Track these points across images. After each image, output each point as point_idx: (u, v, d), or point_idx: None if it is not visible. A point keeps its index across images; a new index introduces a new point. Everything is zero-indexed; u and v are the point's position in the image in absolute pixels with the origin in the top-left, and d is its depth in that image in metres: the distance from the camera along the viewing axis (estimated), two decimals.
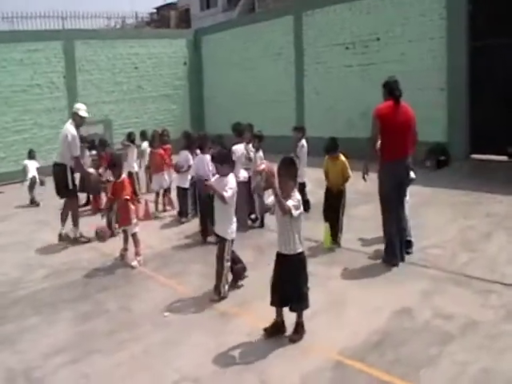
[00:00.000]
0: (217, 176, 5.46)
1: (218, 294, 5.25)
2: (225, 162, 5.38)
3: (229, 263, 5.27)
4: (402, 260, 5.97)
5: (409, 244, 6.24)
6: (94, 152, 9.77)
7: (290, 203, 4.16)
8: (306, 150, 8.28)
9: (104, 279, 6.27)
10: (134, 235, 6.66)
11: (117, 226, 7.58)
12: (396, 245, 5.94)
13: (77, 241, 7.78)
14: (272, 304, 4.40)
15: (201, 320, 4.89)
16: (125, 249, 6.87)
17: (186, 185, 8.54)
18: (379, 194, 6.05)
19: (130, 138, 10.62)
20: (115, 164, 6.74)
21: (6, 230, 9.14)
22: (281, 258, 4.38)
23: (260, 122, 9.17)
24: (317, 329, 4.48)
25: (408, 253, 6.15)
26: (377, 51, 13.03)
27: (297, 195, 4.30)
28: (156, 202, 9.36)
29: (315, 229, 6.89)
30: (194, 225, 8.08)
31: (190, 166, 8.45)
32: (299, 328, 4.38)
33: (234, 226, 5.31)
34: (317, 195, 7.88)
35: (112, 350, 4.44)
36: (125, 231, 6.79)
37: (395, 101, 5.97)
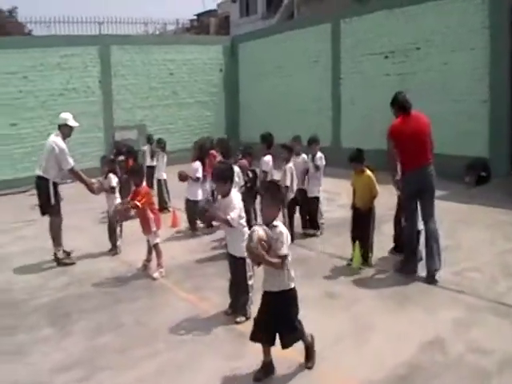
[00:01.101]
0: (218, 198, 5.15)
1: (244, 316, 4.97)
2: (226, 179, 4.99)
3: (252, 281, 4.98)
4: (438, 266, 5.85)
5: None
6: (122, 157, 9.67)
7: (284, 250, 3.79)
8: (324, 162, 7.91)
9: (123, 290, 6.10)
10: (155, 246, 6.48)
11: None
12: (414, 255, 6.01)
13: (60, 262, 7.22)
14: (255, 340, 3.97)
15: (217, 341, 4.65)
16: (148, 260, 6.72)
17: (195, 197, 8.30)
18: (402, 203, 6.22)
19: (160, 144, 10.49)
20: (134, 172, 6.58)
21: (31, 234, 9.13)
22: (269, 296, 3.95)
23: (295, 131, 8.86)
24: (338, 356, 4.19)
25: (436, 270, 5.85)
26: (417, 60, 12.60)
27: (280, 227, 3.90)
28: None
29: (345, 247, 6.60)
30: (220, 236, 7.83)
31: (198, 178, 8.26)
32: (309, 351, 4.06)
33: None
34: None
35: (124, 368, 4.25)
36: (148, 241, 6.62)
37: (405, 113, 6.00)
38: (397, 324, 4.75)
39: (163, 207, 10.05)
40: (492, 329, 4.58)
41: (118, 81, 16.34)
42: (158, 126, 16.88)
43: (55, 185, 7.21)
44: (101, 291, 6.12)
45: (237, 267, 5.00)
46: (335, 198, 9.75)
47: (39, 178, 7.20)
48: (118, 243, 7.65)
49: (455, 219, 8.28)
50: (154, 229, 6.44)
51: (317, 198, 7.87)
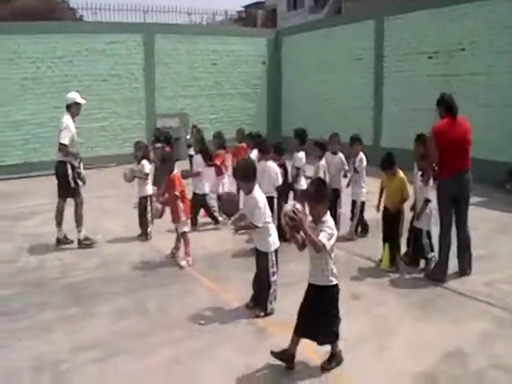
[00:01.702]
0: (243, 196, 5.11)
1: (263, 310, 4.97)
2: (249, 177, 4.95)
3: (275, 277, 4.97)
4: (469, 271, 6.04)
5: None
6: (159, 145, 9.75)
7: (322, 237, 3.80)
8: (365, 164, 7.63)
9: (149, 276, 6.21)
10: (183, 234, 6.54)
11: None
12: (447, 262, 5.95)
13: (60, 242, 7.44)
14: (295, 333, 4.01)
15: (236, 334, 4.67)
16: (176, 247, 6.79)
17: (202, 190, 8.28)
18: (438, 206, 6.05)
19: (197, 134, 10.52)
20: (164, 160, 6.64)
21: (71, 214, 9.35)
22: (311, 289, 4.02)
23: (336, 128, 8.73)
24: (355, 360, 4.12)
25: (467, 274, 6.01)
26: (462, 62, 12.23)
27: (329, 222, 3.93)
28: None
29: (375, 248, 6.51)
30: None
31: (198, 173, 8.21)
32: (332, 358, 4.04)
33: (274, 235, 5.00)
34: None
35: (141, 353, 4.32)
36: (176, 229, 6.69)
37: (452, 117, 5.95)
38: (420, 332, 4.65)
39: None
40: None
41: (161, 69, 16.51)
42: (199, 115, 16.96)
43: (73, 167, 7.29)
44: (128, 275, 6.25)
45: (260, 262, 4.99)
46: (370, 198, 9.58)
47: (57, 162, 7.33)
48: (149, 229, 7.77)
49: (492, 228, 8.05)
50: (183, 218, 6.50)
51: (354, 202, 7.68)
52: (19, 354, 4.37)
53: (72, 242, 7.46)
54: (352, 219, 7.65)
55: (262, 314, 4.93)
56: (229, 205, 5.37)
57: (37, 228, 8.48)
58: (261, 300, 4.99)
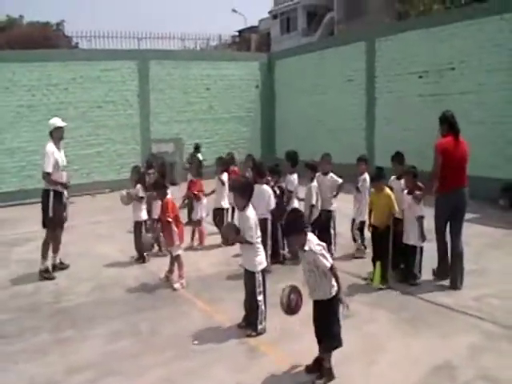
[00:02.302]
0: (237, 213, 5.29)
1: (254, 330, 5.04)
2: (245, 192, 5.10)
3: (261, 296, 5.04)
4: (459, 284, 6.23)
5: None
6: (152, 170, 9.88)
7: (326, 262, 4.03)
8: (369, 184, 7.59)
9: (144, 299, 6.27)
10: (176, 257, 6.62)
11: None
12: (447, 264, 6.37)
13: (40, 274, 7.23)
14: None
15: (228, 353, 4.72)
16: (170, 270, 6.85)
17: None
18: (435, 219, 6.39)
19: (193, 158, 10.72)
20: (156, 186, 6.75)
21: (66, 240, 9.40)
22: (314, 303, 4.25)
23: (330, 149, 8.86)
24: (345, 376, 4.18)
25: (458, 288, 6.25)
26: (452, 81, 12.46)
27: (312, 245, 4.09)
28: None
29: (366, 266, 6.58)
30: None
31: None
32: (325, 372, 4.12)
33: (262, 255, 5.09)
34: None
35: (133, 374, 4.38)
36: (170, 253, 6.77)
37: (455, 136, 6.29)
38: (409, 347, 4.71)
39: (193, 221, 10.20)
40: (505, 357, 4.48)
41: (155, 95, 16.75)
42: (194, 139, 17.01)
43: (57, 195, 7.21)
44: (122, 298, 6.32)
45: (248, 281, 5.09)
46: None
47: (42, 190, 7.30)
48: (145, 253, 7.84)
49: (485, 243, 8.14)
50: (177, 242, 6.59)
51: (354, 220, 7.79)
52: (16, 376, 4.45)
53: (53, 278, 7.22)
54: (354, 239, 7.76)
55: (254, 333, 5.00)
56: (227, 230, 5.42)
57: (31, 254, 8.50)
58: (252, 320, 5.05)
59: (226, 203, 8.88)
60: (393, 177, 6.95)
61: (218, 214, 8.88)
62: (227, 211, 9.01)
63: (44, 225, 7.32)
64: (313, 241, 4.13)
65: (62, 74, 15.18)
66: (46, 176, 7.11)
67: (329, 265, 4.04)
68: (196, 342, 4.93)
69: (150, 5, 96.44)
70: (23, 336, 5.25)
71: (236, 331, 5.14)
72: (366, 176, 7.69)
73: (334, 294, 4.12)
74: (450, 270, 6.34)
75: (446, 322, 5.27)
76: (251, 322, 5.07)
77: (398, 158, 7.11)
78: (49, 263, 7.36)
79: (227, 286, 6.61)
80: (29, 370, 4.53)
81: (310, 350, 4.29)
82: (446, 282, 6.34)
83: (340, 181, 7.68)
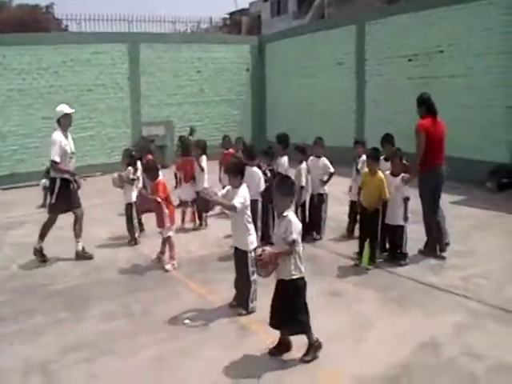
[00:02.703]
0: (228, 187, 5.34)
1: (245, 309, 5.15)
2: (237, 172, 5.22)
3: (254, 276, 5.13)
4: (442, 250, 6.75)
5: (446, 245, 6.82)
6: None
7: (290, 238, 4.07)
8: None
9: (136, 280, 6.36)
10: (167, 239, 6.70)
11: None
12: (435, 238, 6.74)
13: (34, 252, 7.29)
14: (269, 325, 4.31)
15: (219, 332, 4.83)
16: (161, 252, 6.93)
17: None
18: (421, 194, 6.77)
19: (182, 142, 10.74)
20: (148, 168, 6.80)
21: (60, 223, 9.45)
22: (277, 282, 4.26)
23: (320, 132, 8.96)
24: (333, 353, 4.30)
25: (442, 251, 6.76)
26: (441, 64, 12.52)
27: (290, 217, 4.16)
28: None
29: (356, 247, 6.70)
30: None
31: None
32: (310, 349, 4.22)
33: (253, 235, 5.19)
34: None
35: (126, 354, 4.48)
36: (161, 234, 6.84)
37: (433, 117, 6.71)
38: (396, 325, 4.85)
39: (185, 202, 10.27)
40: (490, 334, 4.62)
41: (146, 78, 16.68)
42: (184, 122, 17.14)
43: (64, 182, 7.19)
44: (116, 280, 6.40)
45: (239, 260, 5.18)
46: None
47: (50, 177, 7.39)
48: (137, 235, 7.92)
49: (471, 225, 8.29)
50: (167, 224, 6.66)
51: (353, 202, 7.75)
52: (11, 356, 4.53)
53: (46, 260, 7.27)
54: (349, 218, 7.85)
55: (244, 312, 5.11)
56: (203, 201, 5.49)
57: (25, 237, 8.56)
58: (243, 299, 5.16)
59: (205, 186, 8.84)
60: (381, 157, 7.03)
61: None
62: None
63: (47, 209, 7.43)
64: (293, 214, 4.28)
65: (53, 58, 15.07)
66: (54, 165, 7.07)
67: (295, 237, 4.06)
68: (187, 322, 5.03)
69: None
70: (18, 318, 5.33)
71: (227, 310, 5.25)
72: (365, 158, 7.74)
73: (295, 277, 4.15)
74: (438, 234, 6.79)
75: (433, 300, 5.42)
76: (242, 301, 5.17)
77: (388, 139, 7.24)
78: (42, 245, 7.36)
79: (219, 266, 6.70)
80: (24, 350, 4.61)
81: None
82: (434, 261, 6.51)
83: (332, 170, 7.76)
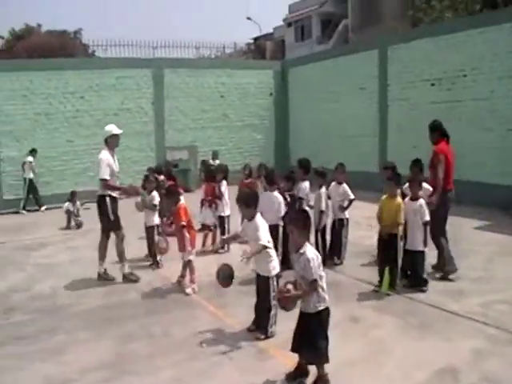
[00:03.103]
0: (245, 221, 5.39)
1: (264, 333, 5.16)
2: (250, 204, 5.25)
3: (275, 301, 5.14)
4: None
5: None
6: (162, 177, 10.15)
7: (314, 274, 4.05)
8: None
9: (156, 303, 6.44)
10: (188, 262, 6.78)
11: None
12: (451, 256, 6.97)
13: (100, 277, 7.45)
14: (291, 349, 4.27)
15: (238, 355, 4.85)
16: (182, 275, 6.99)
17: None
18: (437, 217, 6.76)
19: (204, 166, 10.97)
20: (169, 193, 6.92)
21: (81, 245, 9.71)
22: (300, 314, 4.22)
23: (343, 157, 8.99)
24: (349, 379, 4.29)
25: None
26: (464, 88, 12.52)
27: (307, 255, 4.08)
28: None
29: (376, 272, 6.67)
30: None
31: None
32: (318, 381, 4.18)
33: (275, 261, 5.23)
34: None
35: (145, 374, 4.53)
36: (183, 258, 6.92)
37: (447, 141, 7.07)
38: (414, 351, 4.80)
39: (207, 227, 10.38)
40: (509, 361, 4.55)
41: (170, 102, 17.05)
42: (208, 147, 17.37)
43: (113, 200, 7.33)
44: (136, 302, 6.50)
45: (261, 286, 5.22)
46: (374, 223, 9.75)
47: (98, 196, 7.38)
48: (159, 258, 8.01)
49: (494, 250, 8.19)
50: (189, 248, 6.74)
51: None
52: (31, 374, 4.64)
53: (113, 278, 7.41)
54: None
55: (263, 336, 5.12)
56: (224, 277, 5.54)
57: (48, 258, 8.80)
58: (262, 323, 5.18)
59: (226, 211, 8.98)
60: (407, 184, 6.97)
61: (221, 221, 9.00)
62: (228, 218, 9.02)
63: (103, 229, 7.47)
64: (310, 248, 4.21)
65: (79, 82, 15.58)
66: (104, 182, 7.19)
67: (313, 277, 4.03)
68: (204, 345, 5.06)
69: (166, 14, 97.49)
70: (40, 337, 5.45)
71: (246, 334, 5.27)
72: None
73: (320, 308, 4.12)
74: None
75: (452, 327, 5.35)
76: (261, 326, 5.19)
77: (416, 163, 7.20)
78: (104, 267, 7.49)
79: (238, 291, 6.69)
80: (44, 369, 4.71)
81: None
82: (454, 287, 6.47)
83: (352, 197, 7.76)
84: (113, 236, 7.49)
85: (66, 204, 11.85)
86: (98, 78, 15.82)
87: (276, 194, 7.19)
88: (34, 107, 15.04)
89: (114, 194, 7.37)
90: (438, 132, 7.13)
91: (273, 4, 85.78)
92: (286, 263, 7.32)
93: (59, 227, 11.45)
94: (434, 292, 6.35)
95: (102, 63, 16.77)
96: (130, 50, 23.13)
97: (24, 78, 14.86)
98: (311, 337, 4.12)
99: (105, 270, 7.53)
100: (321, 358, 4.14)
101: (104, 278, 7.42)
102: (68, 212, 11.68)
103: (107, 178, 7.16)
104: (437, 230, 6.86)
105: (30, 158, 14.22)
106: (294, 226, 4.23)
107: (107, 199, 7.26)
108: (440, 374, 4.34)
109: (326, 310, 4.17)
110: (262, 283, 5.23)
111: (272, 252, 5.23)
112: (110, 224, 7.34)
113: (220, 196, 8.88)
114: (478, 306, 5.83)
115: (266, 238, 5.16)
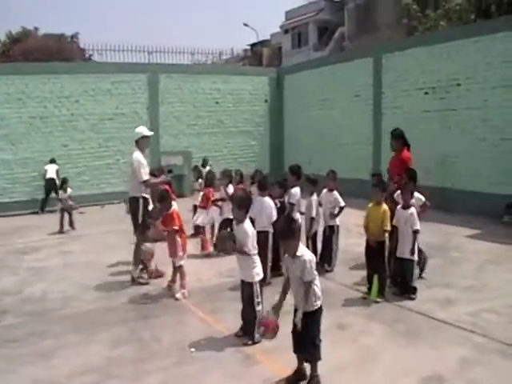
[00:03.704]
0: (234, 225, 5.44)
1: (251, 339, 5.19)
2: (244, 207, 5.31)
3: (260, 307, 5.19)
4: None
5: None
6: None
7: (308, 275, 4.14)
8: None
9: (146, 308, 6.44)
10: (179, 268, 6.79)
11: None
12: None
13: (132, 281, 7.48)
14: (294, 351, 4.36)
15: (225, 360, 4.87)
16: (172, 280, 7.00)
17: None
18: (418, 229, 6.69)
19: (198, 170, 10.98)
20: (162, 198, 6.95)
21: (76, 249, 9.71)
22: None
23: (338, 164, 9.01)
24: None
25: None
26: (457, 97, 12.58)
27: (305, 255, 4.19)
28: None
29: (365, 279, 6.70)
30: None
31: None
32: (311, 381, 4.25)
33: (259, 267, 5.26)
34: None
35: (132, 379, 4.55)
36: (173, 263, 6.93)
37: (408, 149, 7.26)
38: (402, 359, 4.82)
39: (199, 232, 10.41)
40: (496, 370, 4.56)
41: (165, 108, 17.08)
42: (203, 153, 17.34)
43: (146, 201, 7.49)
44: (126, 307, 6.50)
45: (246, 291, 5.25)
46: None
47: (130, 198, 7.54)
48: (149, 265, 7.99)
49: (486, 259, 8.23)
50: (180, 253, 6.76)
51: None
52: (19, 377, 4.65)
53: (147, 283, 7.43)
54: None
55: (250, 342, 5.14)
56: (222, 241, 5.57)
57: (40, 262, 8.79)
58: (248, 329, 5.21)
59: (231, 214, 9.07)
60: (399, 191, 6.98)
61: (227, 223, 9.03)
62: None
63: (135, 230, 7.57)
64: (306, 249, 4.29)
65: (74, 86, 15.60)
66: (145, 183, 7.39)
67: (310, 278, 4.14)
68: (193, 350, 5.08)
69: (162, 20, 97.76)
70: (29, 340, 5.45)
71: (233, 340, 5.29)
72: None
73: (317, 307, 4.23)
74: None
75: (440, 335, 5.38)
76: (248, 332, 5.21)
77: (409, 173, 7.20)
78: (137, 270, 7.53)
79: (228, 296, 6.73)
80: (33, 372, 4.71)
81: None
82: (444, 295, 6.50)
83: (342, 204, 7.80)
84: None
85: (60, 192, 11.87)
86: (93, 83, 15.83)
87: (267, 199, 7.23)
88: (30, 111, 15.03)
89: (147, 194, 7.55)
90: (401, 140, 7.28)
91: (270, 11, 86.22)
92: (276, 270, 7.36)
93: (53, 231, 11.43)
94: (423, 300, 6.37)
95: (97, 68, 16.81)
96: (126, 55, 23.25)
97: (19, 81, 14.86)
98: (310, 334, 4.21)
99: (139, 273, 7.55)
100: (318, 354, 4.25)
101: (138, 282, 7.41)
102: (62, 210, 11.60)
103: (147, 178, 7.39)
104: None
105: (55, 166, 14.28)
106: (284, 238, 4.24)
107: (140, 201, 7.42)
108: (426, 381, 4.36)
109: (320, 308, 4.28)
110: (246, 289, 5.28)
111: (256, 258, 5.27)
112: (137, 226, 7.45)
113: (229, 198, 8.95)
114: (466, 315, 5.86)
115: (251, 243, 5.20)
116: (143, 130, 7.68)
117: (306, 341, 4.22)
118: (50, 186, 14.17)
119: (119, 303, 6.63)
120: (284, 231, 4.24)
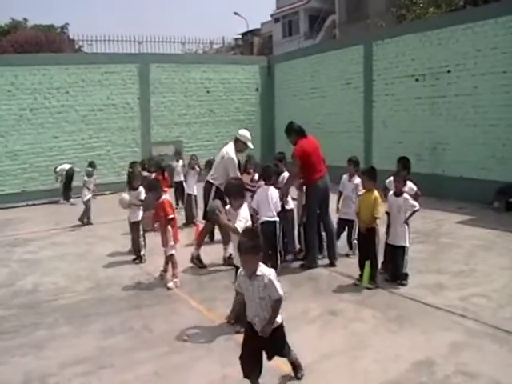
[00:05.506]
0: (228, 207, 5.44)
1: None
2: (239, 195, 5.30)
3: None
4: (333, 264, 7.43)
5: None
6: (145, 173, 10.16)
7: (275, 297, 3.82)
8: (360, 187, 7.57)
9: (138, 297, 6.44)
10: (170, 257, 6.78)
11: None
12: (316, 252, 7.46)
13: (191, 259, 7.61)
14: (246, 376, 3.99)
15: (217, 348, 4.88)
16: (164, 270, 7.00)
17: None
18: (308, 210, 7.34)
19: (194, 160, 10.99)
20: (150, 188, 6.92)
21: (67, 240, 9.68)
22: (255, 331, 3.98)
23: (329, 152, 8.95)
24: (326, 372, 4.33)
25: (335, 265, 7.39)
26: (448, 84, 12.58)
27: (265, 276, 3.78)
28: None
29: (355, 266, 6.72)
30: None
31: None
32: (296, 365, 4.24)
33: None
34: None
35: (124, 368, 4.55)
36: (165, 252, 6.92)
37: (303, 137, 7.36)
38: (393, 344, 4.85)
39: (191, 221, 10.42)
40: (486, 354, 4.60)
41: (156, 98, 16.97)
42: (194, 142, 17.41)
43: (219, 192, 7.51)
44: (118, 297, 6.49)
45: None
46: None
47: (206, 182, 7.91)
48: (142, 253, 8.01)
49: (476, 244, 8.28)
50: (171, 242, 6.75)
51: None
52: (11, 369, 4.63)
53: (205, 266, 7.59)
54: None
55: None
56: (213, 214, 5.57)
57: (32, 254, 8.75)
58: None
59: None
60: (391, 178, 6.94)
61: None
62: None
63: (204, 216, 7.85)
64: (263, 266, 3.89)
65: (64, 78, 15.44)
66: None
67: (281, 294, 3.82)
68: (186, 338, 5.10)
69: (153, 9, 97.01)
70: (20, 332, 5.44)
71: (226, 328, 5.30)
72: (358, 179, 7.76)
73: (280, 322, 3.99)
74: (328, 248, 7.44)
75: (431, 320, 5.41)
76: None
77: (401, 161, 7.35)
78: (201, 252, 7.72)
79: (220, 285, 6.74)
80: (25, 363, 4.70)
81: (295, 348, 4.40)
82: (435, 281, 6.52)
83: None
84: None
85: (85, 178, 11.53)
86: (83, 74, 15.66)
87: (272, 188, 7.14)
88: (19, 103, 14.87)
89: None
90: (293, 133, 7.38)
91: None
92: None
93: (44, 223, 11.38)
94: (414, 286, 6.41)
95: (87, 58, 16.60)
96: (116, 45, 23.05)
97: (9, 73, 14.68)
98: (281, 342, 4.08)
99: (198, 255, 7.68)
100: (289, 350, 4.16)
101: (196, 265, 7.58)
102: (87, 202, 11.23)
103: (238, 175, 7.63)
104: (307, 222, 7.28)
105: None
106: (245, 252, 3.78)
107: (213, 188, 7.69)
108: (417, 366, 4.39)
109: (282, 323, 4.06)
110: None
111: None
112: (205, 212, 7.62)
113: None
114: (457, 300, 5.90)
115: (242, 227, 5.14)
116: (248, 140, 7.92)
117: (280, 347, 4.06)
118: (71, 174, 14.03)
119: (111, 294, 6.61)
120: (249, 245, 3.77)
